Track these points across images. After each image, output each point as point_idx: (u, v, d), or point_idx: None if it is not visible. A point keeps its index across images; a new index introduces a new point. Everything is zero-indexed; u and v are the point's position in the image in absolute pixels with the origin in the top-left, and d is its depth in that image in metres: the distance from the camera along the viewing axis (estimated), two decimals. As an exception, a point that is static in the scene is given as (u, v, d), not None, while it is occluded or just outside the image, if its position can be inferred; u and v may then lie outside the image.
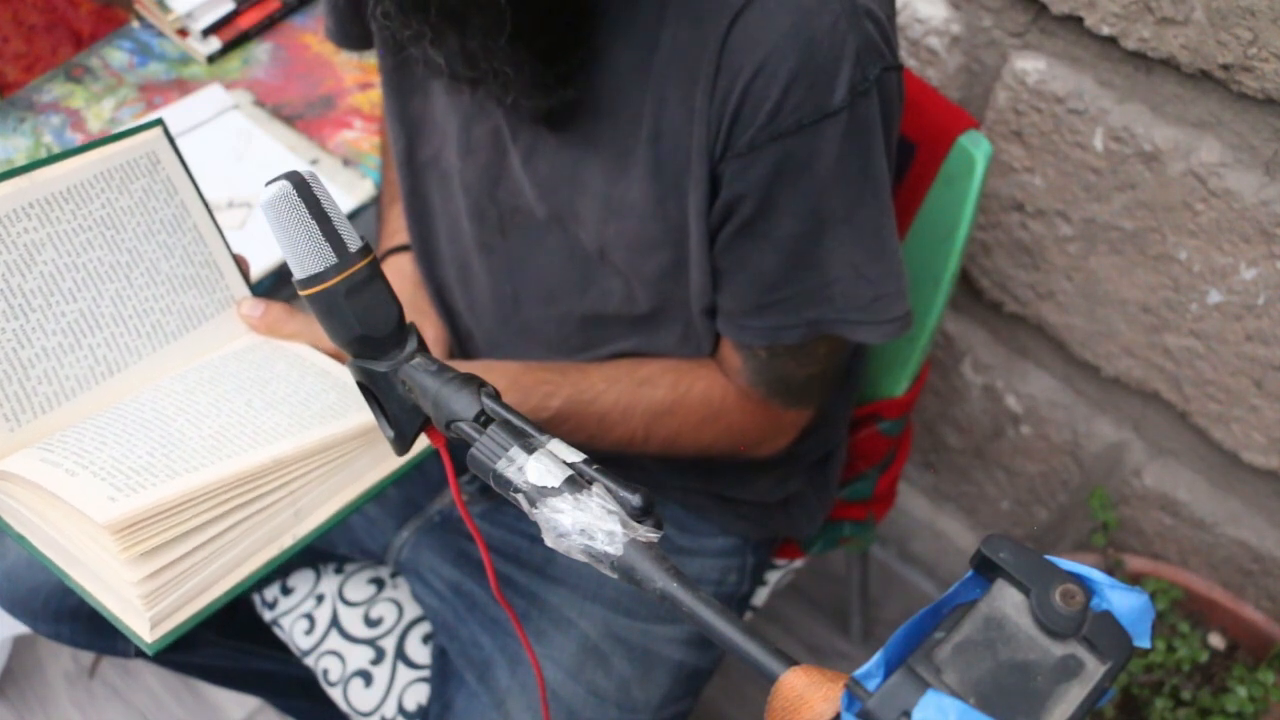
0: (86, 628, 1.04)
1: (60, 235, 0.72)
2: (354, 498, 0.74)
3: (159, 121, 0.78)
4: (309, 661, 1.10)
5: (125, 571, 0.63)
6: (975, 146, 0.98)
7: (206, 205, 0.80)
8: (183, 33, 1.34)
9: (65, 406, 0.71)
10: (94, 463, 0.66)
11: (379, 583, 1.12)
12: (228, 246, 0.81)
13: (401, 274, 1.03)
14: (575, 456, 0.56)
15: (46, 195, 0.72)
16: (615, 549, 0.51)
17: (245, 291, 0.81)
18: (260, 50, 1.35)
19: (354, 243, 0.62)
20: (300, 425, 0.71)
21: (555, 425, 0.83)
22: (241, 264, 0.82)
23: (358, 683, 1.06)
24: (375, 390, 0.64)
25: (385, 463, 0.76)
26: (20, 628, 1.45)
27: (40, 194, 0.71)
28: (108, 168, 0.74)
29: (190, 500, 0.65)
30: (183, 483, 0.65)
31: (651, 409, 0.87)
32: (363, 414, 0.73)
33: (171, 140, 0.78)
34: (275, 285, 1.13)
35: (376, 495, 0.76)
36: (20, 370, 0.70)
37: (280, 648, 1.19)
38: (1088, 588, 0.42)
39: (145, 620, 0.65)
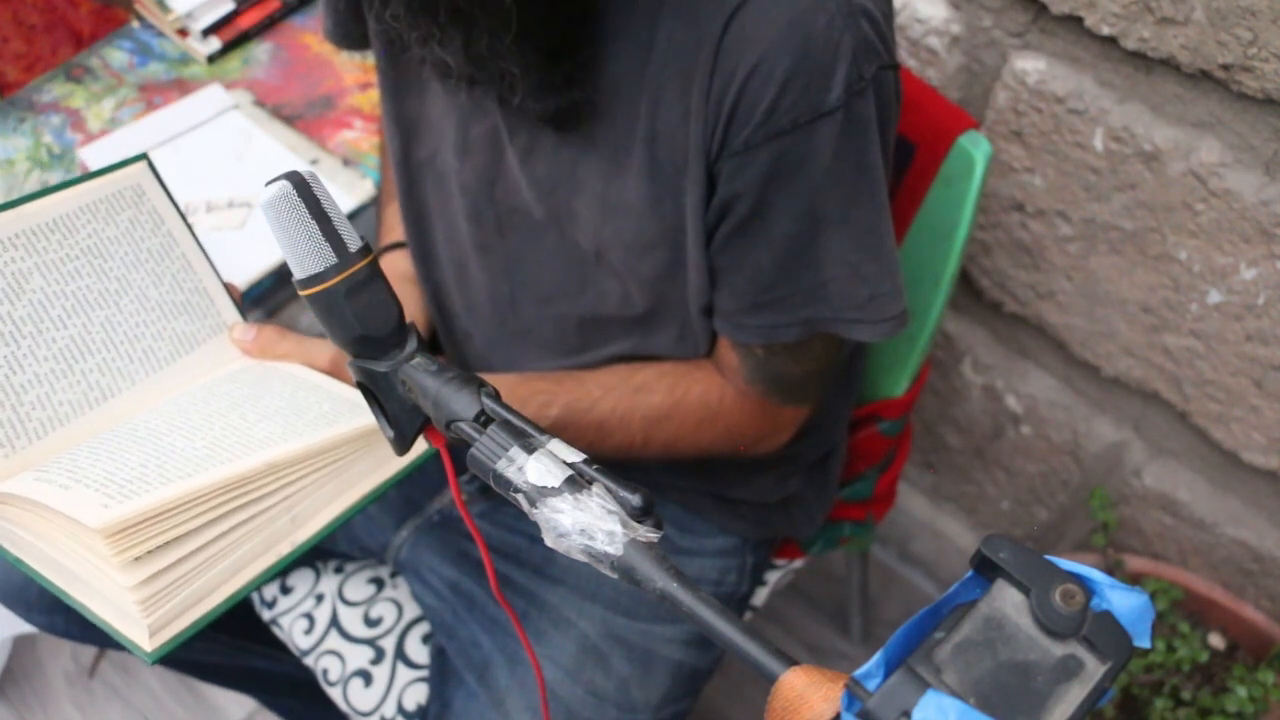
0: (81, 619, 1.03)
1: (48, 264, 0.73)
2: (351, 504, 0.74)
3: (143, 156, 0.79)
4: (308, 661, 1.10)
5: (120, 577, 0.63)
6: (975, 146, 0.98)
7: (194, 235, 0.81)
8: (183, 33, 1.34)
9: (59, 432, 0.72)
10: (87, 476, 0.66)
11: (379, 582, 1.12)
12: (217, 274, 0.82)
13: (392, 270, 1.03)
14: (575, 456, 0.56)
15: (32, 226, 0.73)
16: (615, 549, 0.51)
17: (236, 317, 0.82)
18: (260, 50, 1.35)
19: (354, 243, 0.62)
20: (294, 432, 0.72)
21: (553, 434, 0.84)
22: (232, 291, 0.83)
23: (357, 682, 1.06)
24: (375, 390, 0.64)
25: (382, 468, 0.76)
26: (20, 627, 1.45)
27: (26, 225, 0.73)
28: (93, 200, 0.76)
29: (183, 504, 0.65)
30: (176, 487, 0.65)
31: (649, 414, 0.87)
32: (357, 420, 0.73)
33: (156, 173, 0.80)
34: (275, 285, 1.13)
35: (373, 501, 0.76)
36: (13, 396, 0.71)
37: (274, 645, 1.19)
38: (1088, 588, 0.42)
39: (144, 629, 0.65)
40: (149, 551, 0.64)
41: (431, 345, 1.06)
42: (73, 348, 0.74)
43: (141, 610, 0.64)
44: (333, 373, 0.80)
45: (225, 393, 0.76)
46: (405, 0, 0.70)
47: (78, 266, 0.75)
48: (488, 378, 0.83)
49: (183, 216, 0.81)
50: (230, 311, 0.82)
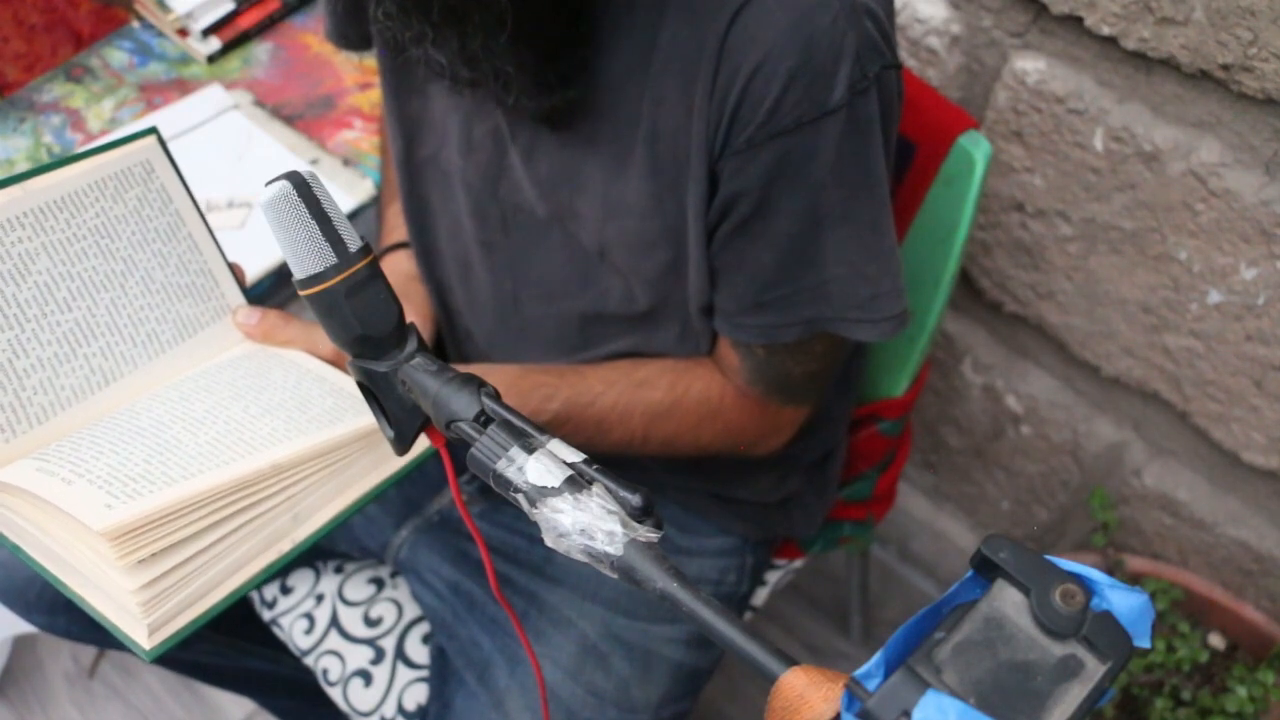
0: (82, 619, 1.03)
1: (54, 245, 0.72)
2: (352, 501, 0.74)
3: (153, 130, 0.78)
4: (309, 661, 1.10)
5: (122, 579, 0.63)
6: (975, 146, 0.98)
7: (201, 213, 0.80)
8: (183, 33, 1.34)
9: (61, 416, 0.71)
10: (90, 471, 0.65)
11: (379, 582, 1.12)
12: (223, 254, 0.81)
13: (397, 270, 1.03)
14: (575, 456, 0.56)
15: (40, 205, 0.71)
16: (615, 549, 0.51)
17: (241, 300, 0.81)
18: (260, 50, 1.35)
19: (354, 243, 0.62)
20: (297, 430, 0.71)
21: (553, 428, 0.83)
22: (237, 272, 0.82)
23: (357, 682, 1.06)
24: (375, 390, 0.64)
25: (383, 466, 0.76)
26: (21, 627, 1.45)
27: (34, 203, 0.71)
28: (101, 176, 0.74)
29: (187, 507, 0.64)
30: (179, 489, 0.65)
31: (650, 410, 0.87)
32: (360, 418, 0.73)
33: (166, 148, 0.78)
34: (275, 285, 1.13)
35: (375, 499, 0.76)
36: (16, 380, 0.70)
37: (273, 646, 1.19)
38: (1088, 588, 0.42)
39: (143, 627, 0.65)
40: (152, 555, 0.63)
41: (437, 345, 1.06)
42: (77, 331, 0.73)
43: (142, 610, 0.64)
44: (336, 361, 0.80)
45: (228, 381, 0.75)
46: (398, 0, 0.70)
47: (84, 247, 0.73)
48: (490, 370, 0.84)
49: (190, 193, 0.79)
50: (234, 294, 0.81)
